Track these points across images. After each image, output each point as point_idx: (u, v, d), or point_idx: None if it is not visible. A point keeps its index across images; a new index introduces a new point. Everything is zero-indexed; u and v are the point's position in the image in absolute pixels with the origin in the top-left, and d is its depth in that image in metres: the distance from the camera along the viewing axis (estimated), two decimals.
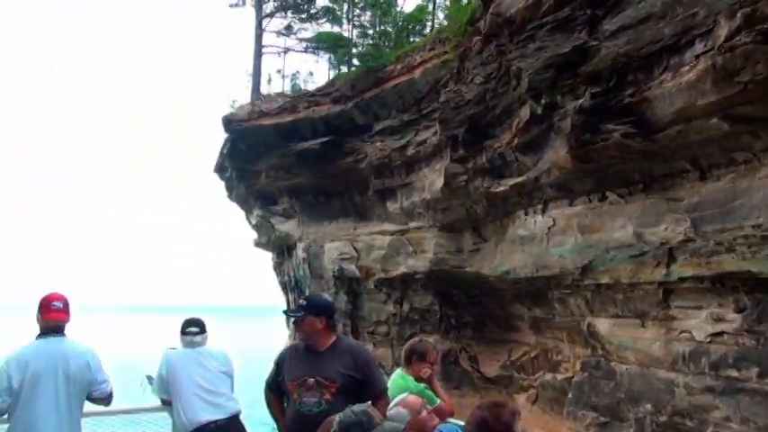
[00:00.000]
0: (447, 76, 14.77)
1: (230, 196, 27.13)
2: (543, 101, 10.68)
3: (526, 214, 13.06)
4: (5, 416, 4.22)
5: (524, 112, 11.48)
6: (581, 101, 9.87)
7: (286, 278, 25.35)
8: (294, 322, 4.50)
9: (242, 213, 27.38)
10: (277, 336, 26.96)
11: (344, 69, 24.23)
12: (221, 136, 23.79)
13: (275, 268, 27.10)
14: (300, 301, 4.46)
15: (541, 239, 12.42)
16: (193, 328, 5.05)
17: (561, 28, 10.17)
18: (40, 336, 4.31)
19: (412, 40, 22.20)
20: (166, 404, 5.03)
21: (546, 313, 13.44)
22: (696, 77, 8.03)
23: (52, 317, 4.28)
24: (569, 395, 12.12)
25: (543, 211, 12.46)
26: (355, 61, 24.32)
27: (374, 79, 18.26)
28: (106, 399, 4.45)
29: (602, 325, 11.30)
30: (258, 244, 27.11)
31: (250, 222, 27.09)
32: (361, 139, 18.96)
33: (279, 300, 27.60)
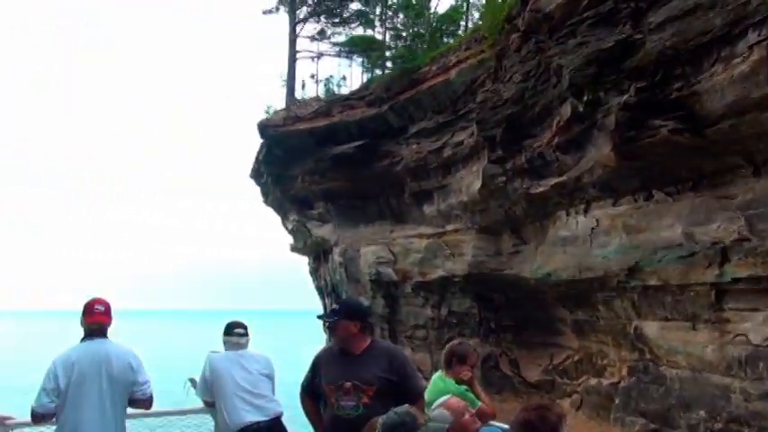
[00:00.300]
0: (484, 75, 14.57)
1: (266, 201, 27.31)
2: (585, 98, 10.41)
3: (567, 215, 12.75)
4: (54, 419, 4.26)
5: (565, 110, 11.22)
6: (625, 96, 9.59)
7: (323, 283, 25.36)
8: (328, 327, 4.43)
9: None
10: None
11: (378, 72, 24.20)
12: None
13: (312, 273, 27.14)
14: (333, 306, 4.44)
15: (584, 240, 12.10)
16: (240, 330, 5.08)
17: (603, 22, 9.90)
18: (84, 338, 4.40)
19: (445, 41, 22.02)
20: (209, 406, 5.04)
21: (589, 316, 13.08)
22: (750, 69, 7.71)
23: (95, 319, 4.38)
24: (616, 401, 11.74)
25: (586, 212, 12.14)
26: (389, 64, 24.27)
27: (409, 81, 18.15)
28: (147, 401, 4.49)
29: (651, 328, 10.91)
30: (294, 249, 27.20)
31: (286, 227, 27.20)
32: (397, 141, 18.87)
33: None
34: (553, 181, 12.37)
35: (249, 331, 5.21)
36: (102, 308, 4.41)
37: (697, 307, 9.82)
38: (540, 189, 12.79)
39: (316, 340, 23.34)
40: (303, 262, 27.74)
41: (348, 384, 3.93)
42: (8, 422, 4.44)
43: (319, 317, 5.23)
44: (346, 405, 3.92)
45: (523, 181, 13.33)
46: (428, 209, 18.15)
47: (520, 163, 13.19)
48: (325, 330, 23.07)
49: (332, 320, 4.18)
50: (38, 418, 4.20)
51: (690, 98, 8.76)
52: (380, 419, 3.18)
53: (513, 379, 15.91)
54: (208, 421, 5.20)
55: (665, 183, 10.21)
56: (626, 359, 11.89)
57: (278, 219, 27.64)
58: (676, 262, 9.91)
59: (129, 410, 4.53)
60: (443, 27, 24.09)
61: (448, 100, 16.70)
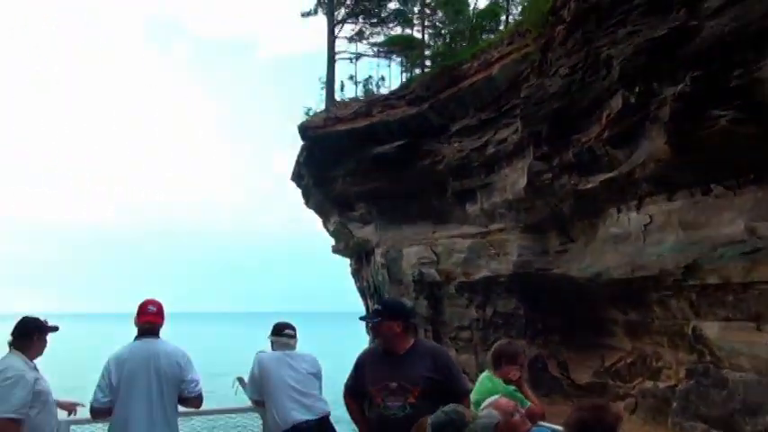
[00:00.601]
0: (528, 70, 14.23)
1: (307, 203, 27.38)
2: (637, 89, 10.03)
3: (619, 211, 12.31)
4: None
5: (616, 103, 10.83)
6: (681, 86, 9.19)
7: (365, 284, 25.29)
8: (372, 328, 4.36)
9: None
10: None
11: (417, 72, 24.01)
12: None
13: (353, 274, 27.12)
14: (376, 306, 4.44)
15: (637, 238, 11.66)
16: (289, 331, 5.09)
17: (656, 9, 9.54)
18: (136, 338, 4.53)
19: (485, 37, 21.69)
20: (258, 405, 5.07)
21: (643, 317, 12.60)
22: None
23: (147, 319, 4.52)
24: (674, 404, 11.26)
25: (638, 208, 11.69)
26: (428, 63, 24.06)
27: (450, 79, 17.94)
28: (196, 399, 4.56)
29: (711, 329, 10.42)
30: (336, 250, 27.22)
31: (328, 229, 27.23)
32: (438, 140, 18.65)
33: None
34: (603, 177, 11.97)
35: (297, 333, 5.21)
36: (154, 308, 4.56)
37: (762, 306, 9.32)
38: (589, 185, 12.40)
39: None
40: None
41: (394, 385, 3.93)
42: (77, 407, 4.64)
43: (362, 318, 5.25)
44: (393, 405, 3.92)
45: (571, 177, 12.95)
46: (471, 208, 17.86)
47: (567, 159, 12.81)
48: (367, 332, 23.02)
49: (374, 321, 4.19)
50: (96, 413, 4.38)
51: (751, 86, 8.32)
52: (430, 419, 3.12)
53: (562, 381, 15.49)
54: (256, 419, 5.22)
55: (725, 176, 9.73)
56: (683, 361, 11.40)
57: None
58: (738, 259, 9.43)
59: (181, 409, 4.59)
60: (483, 23, 23.74)
61: (490, 97, 16.42)
